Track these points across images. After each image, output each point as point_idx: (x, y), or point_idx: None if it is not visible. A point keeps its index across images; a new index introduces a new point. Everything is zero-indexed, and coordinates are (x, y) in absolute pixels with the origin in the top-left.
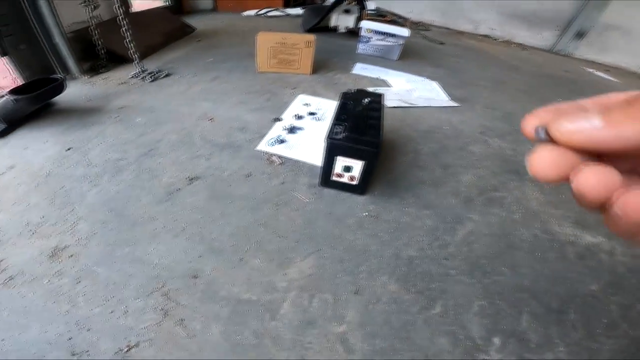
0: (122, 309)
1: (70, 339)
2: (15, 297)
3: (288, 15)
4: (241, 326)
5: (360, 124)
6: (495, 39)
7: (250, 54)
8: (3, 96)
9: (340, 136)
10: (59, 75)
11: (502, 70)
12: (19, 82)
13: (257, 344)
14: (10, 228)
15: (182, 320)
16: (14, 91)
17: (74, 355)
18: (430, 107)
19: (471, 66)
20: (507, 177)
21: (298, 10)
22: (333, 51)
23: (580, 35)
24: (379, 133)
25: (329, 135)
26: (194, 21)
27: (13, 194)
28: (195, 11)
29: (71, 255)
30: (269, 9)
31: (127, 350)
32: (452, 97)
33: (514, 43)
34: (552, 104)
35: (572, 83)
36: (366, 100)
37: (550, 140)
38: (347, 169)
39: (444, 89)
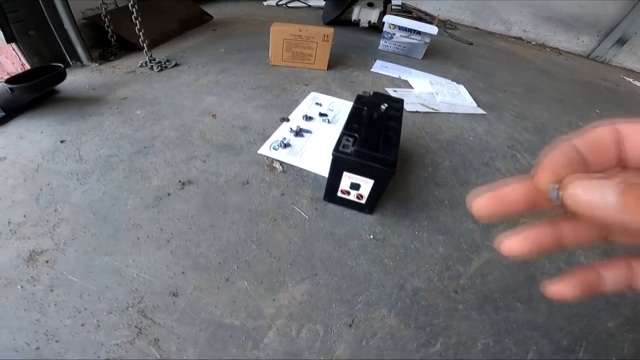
0: (94, 323)
1: (37, 348)
2: None
3: (310, 6)
4: (219, 352)
5: (375, 136)
6: (529, 42)
7: (265, 46)
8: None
9: (349, 150)
10: (59, 64)
11: (535, 76)
12: (27, 68)
13: None
14: None
15: (156, 340)
16: (10, 80)
17: None
18: (454, 113)
19: (501, 70)
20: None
21: (320, 2)
22: (353, 46)
23: (622, 41)
24: (395, 149)
25: (336, 148)
26: (214, 9)
27: (0, 188)
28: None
29: (47, 261)
30: None
31: None
32: (479, 104)
33: (549, 47)
34: (567, 144)
35: (609, 92)
36: (384, 106)
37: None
38: (355, 186)
39: (471, 94)
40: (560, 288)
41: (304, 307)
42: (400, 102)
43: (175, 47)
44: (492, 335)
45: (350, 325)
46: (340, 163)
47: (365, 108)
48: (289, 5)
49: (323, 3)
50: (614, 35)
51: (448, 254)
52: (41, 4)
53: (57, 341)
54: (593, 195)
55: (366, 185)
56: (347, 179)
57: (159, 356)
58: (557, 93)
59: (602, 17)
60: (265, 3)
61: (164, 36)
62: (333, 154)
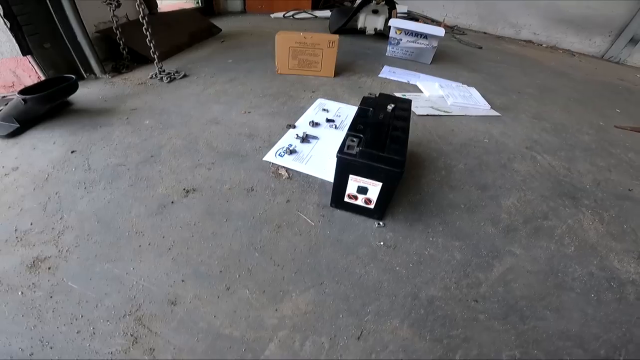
0: (90, 330)
1: (31, 354)
2: None
3: (316, 17)
4: None
5: (381, 137)
6: (539, 44)
7: (272, 55)
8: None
9: (354, 151)
10: (71, 75)
11: (550, 77)
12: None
13: None
14: None
15: (151, 349)
16: (23, 91)
17: None
18: (466, 116)
19: (513, 72)
20: (559, 203)
21: (326, 13)
22: (359, 53)
23: (635, 41)
24: (403, 148)
25: (340, 149)
26: (222, 22)
27: (10, 197)
28: (225, 12)
29: (49, 268)
30: (297, 11)
31: None
32: (493, 106)
33: (561, 49)
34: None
35: (628, 92)
36: (390, 106)
37: None
38: (363, 190)
39: (483, 97)
40: None
41: (308, 318)
42: (407, 102)
43: (185, 58)
44: (519, 347)
45: (359, 338)
46: (345, 165)
47: (371, 109)
48: (296, 17)
49: (329, 14)
50: (626, 34)
51: (466, 261)
52: (54, 17)
53: (51, 348)
54: None
55: (374, 188)
56: (353, 182)
57: None
58: (574, 93)
59: (612, 17)
60: (272, 15)
61: (174, 49)
62: (337, 156)
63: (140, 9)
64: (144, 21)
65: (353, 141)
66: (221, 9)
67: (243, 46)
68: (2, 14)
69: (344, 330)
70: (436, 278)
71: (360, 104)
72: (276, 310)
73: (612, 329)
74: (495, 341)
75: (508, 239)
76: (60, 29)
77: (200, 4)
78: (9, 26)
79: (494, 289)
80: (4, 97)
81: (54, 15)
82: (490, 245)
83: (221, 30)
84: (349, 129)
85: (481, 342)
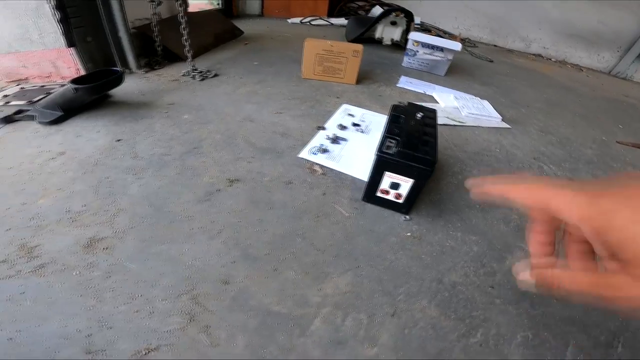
0: (148, 309)
1: (89, 335)
2: (42, 286)
3: (332, 24)
4: (267, 340)
5: (414, 140)
6: (549, 59)
7: (294, 60)
8: (64, 85)
9: (392, 151)
10: (118, 68)
11: (557, 92)
12: (82, 73)
13: None
14: (51, 214)
15: (207, 327)
16: (75, 81)
17: (88, 353)
18: (479, 127)
19: (523, 86)
20: None
21: (341, 20)
22: (377, 63)
23: None
24: (434, 150)
25: (379, 149)
26: (241, 25)
27: (59, 179)
28: (243, 15)
29: (106, 248)
30: (314, 17)
31: (146, 354)
32: (504, 118)
33: (569, 63)
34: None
35: (632, 109)
36: (419, 114)
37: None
38: (395, 186)
39: (495, 109)
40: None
41: (348, 297)
42: (433, 111)
43: (212, 59)
44: (531, 329)
45: (393, 315)
46: (383, 163)
47: (403, 115)
48: (313, 23)
49: (344, 22)
50: (635, 50)
51: (482, 252)
52: (101, 12)
53: (110, 328)
54: (524, 281)
55: (406, 184)
56: (387, 178)
57: (209, 343)
58: (580, 109)
59: (622, 32)
60: (289, 21)
61: (201, 49)
62: (377, 154)
63: (181, 9)
64: (183, 20)
65: (391, 142)
66: (239, 11)
67: (266, 50)
68: (54, 5)
69: (379, 308)
70: (457, 266)
71: (392, 111)
72: (319, 289)
73: (611, 318)
74: (511, 323)
75: (518, 237)
76: (105, 24)
77: (220, 6)
78: (58, 18)
79: (507, 278)
80: (43, 86)
81: (101, 10)
82: (502, 241)
83: (243, 32)
84: (386, 132)
85: (498, 323)
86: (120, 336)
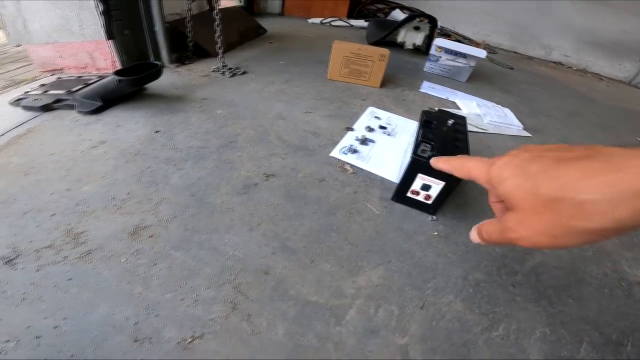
0: (193, 297)
1: (136, 323)
2: (90, 273)
3: (352, 26)
4: (306, 328)
5: (448, 145)
6: (569, 67)
7: (319, 61)
8: (106, 76)
9: (426, 154)
10: (157, 62)
11: (578, 102)
12: (118, 65)
13: (320, 347)
14: (96, 200)
15: (249, 315)
16: (117, 72)
17: (135, 341)
18: (501, 134)
19: (543, 95)
20: None
21: (361, 22)
22: (399, 67)
23: None
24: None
25: (414, 152)
26: (263, 23)
27: (102, 167)
28: (264, 14)
29: (151, 236)
30: (334, 18)
31: (190, 341)
32: (524, 127)
33: (590, 72)
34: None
35: None
36: (450, 121)
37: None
38: (426, 187)
39: (516, 117)
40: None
41: (380, 290)
42: (463, 118)
43: (238, 56)
44: (549, 325)
45: (422, 308)
46: (417, 165)
47: (435, 121)
48: (333, 24)
49: (364, 24)
50: None
51: (504, 254)
52: (140, 6)
53: (156, 316)
54: (471, 237)
55: (437, 187)
56: (420, 180)
57: (250, 331)
58: (599, 120)
59: None
60: (309, 21)
61: (228, 46)
62: (412, 157)
63: (216, 5)
64: (217, 17)
65: (426, 146)
66: (260, 9)
67: (291, 49)
68: None
69: (409, 301)
70: (481, 265)
71: (424, 117)
72: (353, 282)
73: (621, 318)
74: (530, 319)
75: None
76: (143, 17)
77: (242, 3)
78: (101, 10)
79: (528, 278)
80: (80, 77)
81: (140, 3)
82: None
83: (267, 31)
84: (421, 136)
85: (519, 319)
86: (166, 324)
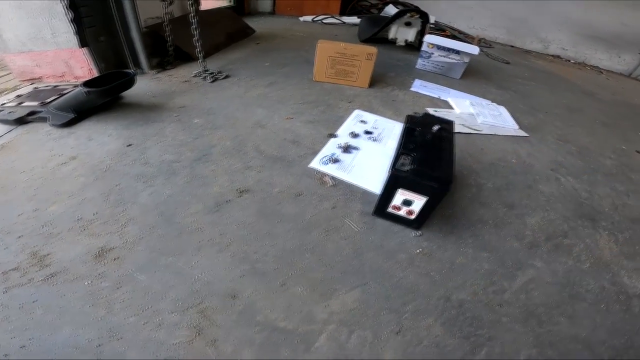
0: (157, 321)
1: (99, 345)
2: (54, 295)
3: (344, 23)
4: (273, 355)
5: (430, 156)
6: (567, 60)
7: (307, 61)
8: (77, 86)
9: (406, 168)
10: (130, 71)
11: (577, 97)
12: (95, 73)
13: None
14: (62, 221)
15: (214, 340)
16: (87, 83)
17: None
18: (495, 135)
19: (541, 90)
20: (578, 223)
21: (353, 19)
22: (390, 65)
23: None
24: (450, 168)
25: (393, 166)
26: (253, 23)
27: (70, 185)
28: (255, 13)
29: (116, 258)
30: (325, 16)
31: None
32: (521, 125)
33: (589, 65)
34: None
35: None
36: (435, 127)
37: None
38: (407, 203)
39: (512, 115)
40: None
41: (354, 314)
42: (450, 123)
43: (223, 58)
44: (536, 347)
45: (398, 333)
46: (396, 180)
47: (418, 128)
48: (324, 21)
49: (357, 20)
50: None
51: (493, 270)
52: (114, 11)
53: (119, 339)
54: None
55: (419, 202)
56: (400, 195)
57: (215, 356)
58: (600, 115)
59: None
60: (301, 19)
61: (213, 48)
62: (390, 172)
63: (192, 8)
64: (194, 20)
65: (406, 159)
66: (251, 9)
67: (278, 49)
68: (67, 4)
69: (385, 325)
70: (466, 284)
71: (408, 123)
72: (326, 306)
73: (616, 335)
74: (516, 341)
75: (531, 254)
76: (117, 23)
77: (232, 3)
78: (71, 17)
79: (517, 296)
80: (56, 86)
81: (113, 10)
82: (514, 258)
83: (255, 31)
84: (402, 147)
85: (503, 341)
86: (129, 347)
